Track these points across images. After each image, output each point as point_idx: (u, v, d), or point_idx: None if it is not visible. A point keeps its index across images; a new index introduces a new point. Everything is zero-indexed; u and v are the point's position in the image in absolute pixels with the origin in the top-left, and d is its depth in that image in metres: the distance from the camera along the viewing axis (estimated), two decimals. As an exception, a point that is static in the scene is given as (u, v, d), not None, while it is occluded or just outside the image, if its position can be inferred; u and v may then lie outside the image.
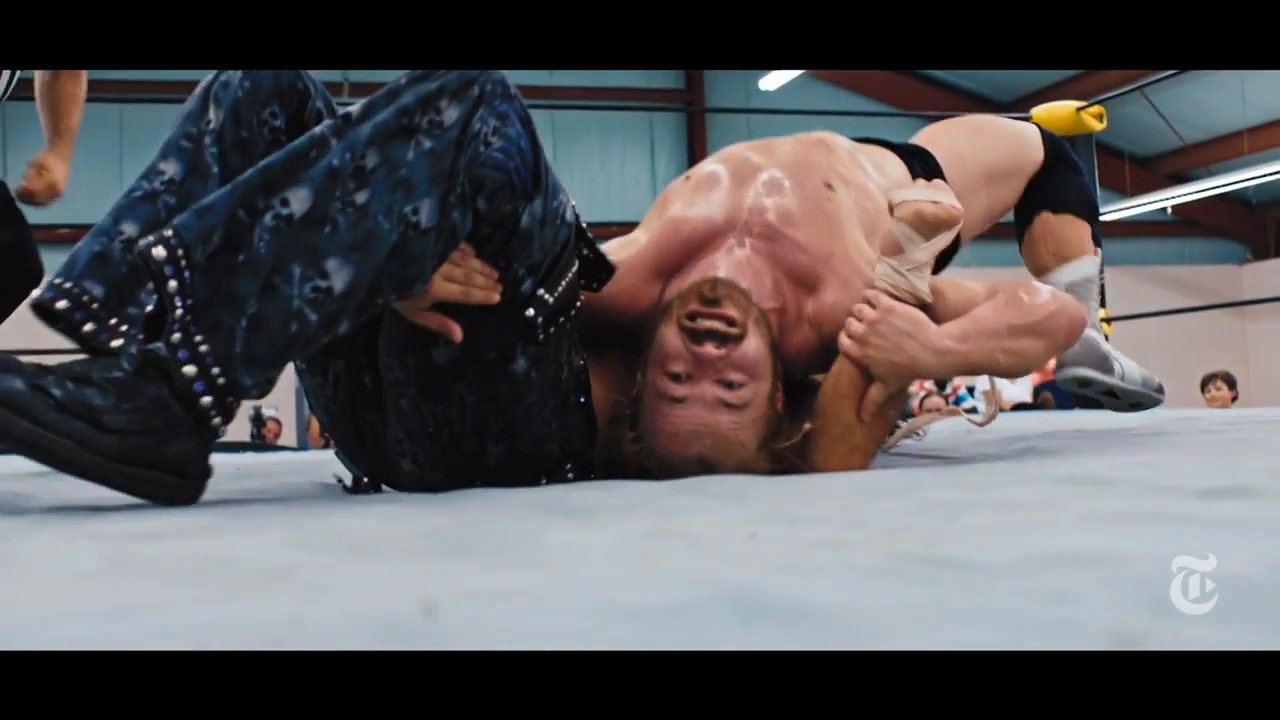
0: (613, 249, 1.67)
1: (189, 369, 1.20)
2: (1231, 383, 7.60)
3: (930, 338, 1.51)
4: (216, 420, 1.23)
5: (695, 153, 11.53)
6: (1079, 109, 3.92)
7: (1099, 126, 3.94)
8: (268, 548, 0.86)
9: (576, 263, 1.48)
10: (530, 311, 1.40)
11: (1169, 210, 12.05)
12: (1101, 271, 2.07)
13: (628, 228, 1.84)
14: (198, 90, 1.48)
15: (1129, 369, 2.05)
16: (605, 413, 1.56)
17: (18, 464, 1.24)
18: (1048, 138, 2.11)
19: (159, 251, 1.19)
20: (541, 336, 1.43)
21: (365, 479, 1.61)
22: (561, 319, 1.45)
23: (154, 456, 1.18)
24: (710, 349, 1.44)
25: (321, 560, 0.83)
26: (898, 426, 1.70)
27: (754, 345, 1.47)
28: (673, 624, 0.67)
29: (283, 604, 0.71)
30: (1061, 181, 2.06)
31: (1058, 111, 3.96)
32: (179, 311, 1.20)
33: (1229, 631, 0.64)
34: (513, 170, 1.32)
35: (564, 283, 1.44)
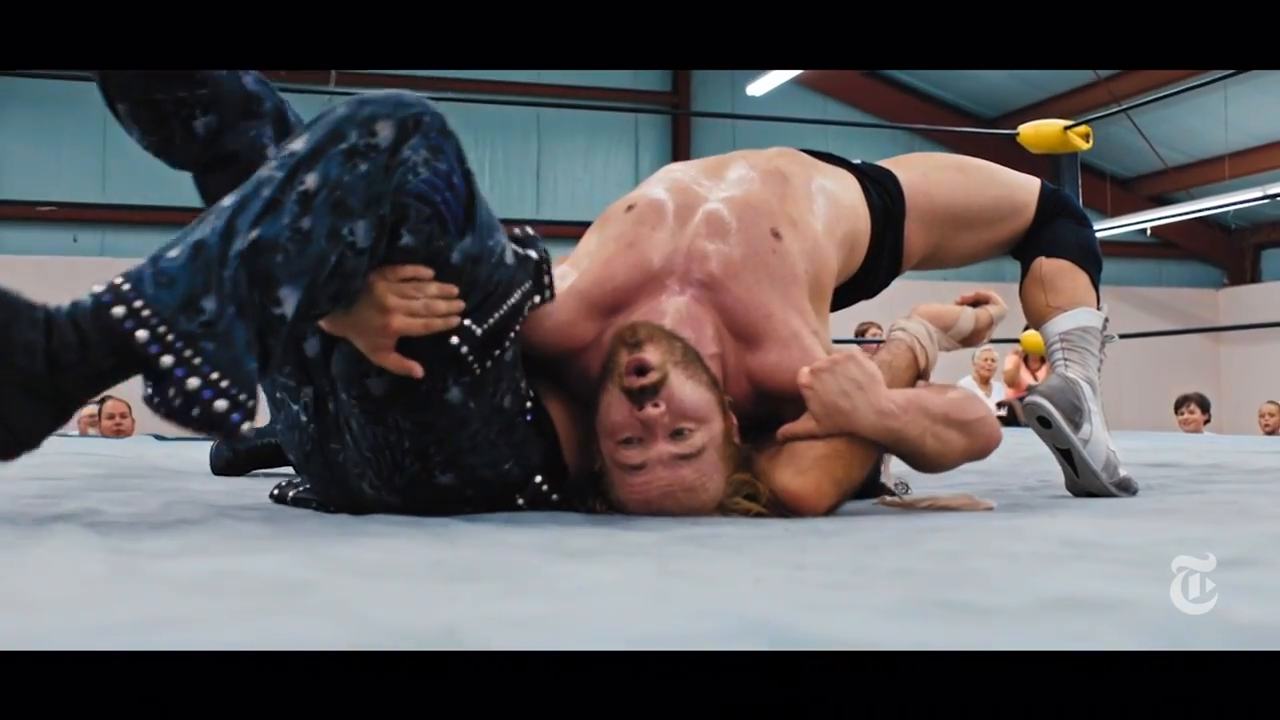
0: (560, 275, 1.64)
1: (192, 380, 1.18)
2: (1205, 406, 7.62)
3: (878, 397, 1.54)
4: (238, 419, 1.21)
5: (679, 156, 11.49)
6: (1066, 128, 3.91)
7: (1085, 146, 3.90)
8: (278, 567, 0.85)
9: (518, 295, 1.47)
10: (455, 340, 1.40)
11: (1148, 232, 12.10)
12: (1105, 327, 1.92)
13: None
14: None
15: (1097, 442, 1.80)
16: (567, 430, 1.56)
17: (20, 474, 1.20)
18: (1049, 194, 2.02)
19: (142, 334, 1.16)
20: (478, 370, 1.43)
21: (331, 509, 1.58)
22: (497, 351, 1.45)
23: None
24: (651, 410, 1.44)
25: (335, 580, 0.83)
26: (904, 486, 1.73)
27: (688, 388, 1.46)
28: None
29: (309, 618, 0.70)
30: (1062, 229, 1.98)
31: (1045, 129, 3.93)
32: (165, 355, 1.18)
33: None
34: (440, 204, 1.33)
35: (496, 315, 1.44)
